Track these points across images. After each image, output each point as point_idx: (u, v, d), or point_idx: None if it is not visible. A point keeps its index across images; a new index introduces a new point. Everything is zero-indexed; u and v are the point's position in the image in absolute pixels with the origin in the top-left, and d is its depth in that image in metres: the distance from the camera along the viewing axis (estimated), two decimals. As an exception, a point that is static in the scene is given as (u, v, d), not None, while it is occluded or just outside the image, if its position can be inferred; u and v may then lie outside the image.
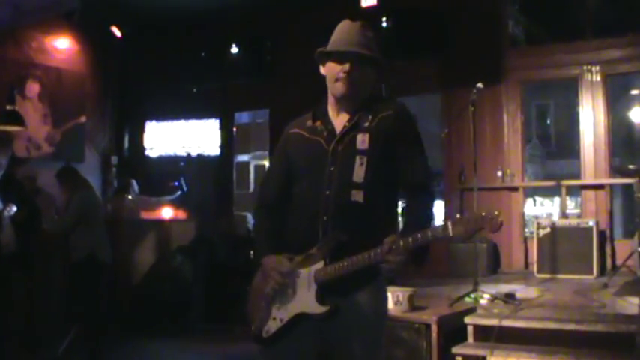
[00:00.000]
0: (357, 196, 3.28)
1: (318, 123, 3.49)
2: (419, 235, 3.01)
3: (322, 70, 3.49)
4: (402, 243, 3.03)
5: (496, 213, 2.89)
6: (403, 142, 3.36)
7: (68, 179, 7.82)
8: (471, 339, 5.98)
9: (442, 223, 2.99)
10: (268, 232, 3.56)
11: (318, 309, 3.25)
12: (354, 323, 3.27)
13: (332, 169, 3.34)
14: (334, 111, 3.48)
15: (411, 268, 3.21)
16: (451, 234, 2.93)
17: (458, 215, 2.96)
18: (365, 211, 3.28)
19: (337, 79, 3.36)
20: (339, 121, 3.44)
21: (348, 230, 3.24)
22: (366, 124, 3.36)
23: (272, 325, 3.39)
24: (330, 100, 3.49)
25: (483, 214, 2.92)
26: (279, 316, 3.37)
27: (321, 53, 3.45)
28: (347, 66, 3.33)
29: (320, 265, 3.27)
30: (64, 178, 7.85)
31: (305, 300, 3.30)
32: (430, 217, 3.34)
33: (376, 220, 3.28)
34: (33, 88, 10.48)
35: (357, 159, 3.30)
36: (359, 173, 3.29)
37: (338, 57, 3.36)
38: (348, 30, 3.42)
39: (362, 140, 3.33)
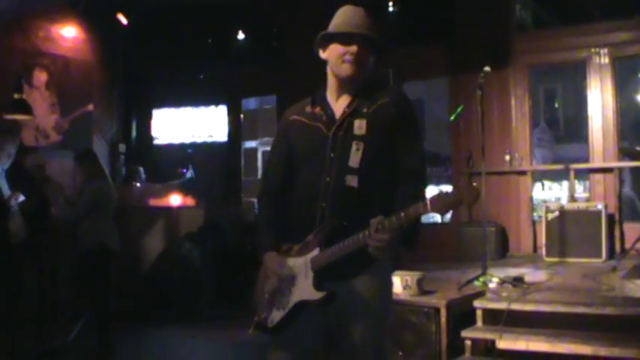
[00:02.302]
0: (352, 181, 3.29)
1: (317, 108, 3.49)
2: (402, 214, 3.01)
3: (322, 54, 3.49)
4: (386, 223, 3.03)
5: (474, 184, 2.92)
6: (401, 129, 3.37)
7: (87, 163, 7.67)
8: (479, 323, 5.99)
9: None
10: (270, 222, 3.57)
11: (315, 295, 3.26)
12: (353, 308, 3.30)
13: (332, 154, 3.35)
14: (333, 96, 3.49)
15: (404, 249, 3.26)
16: (429, 210, 2.95)
17: (437, 191, 2.98)
18: (359, 196, 3.29)
19: (344, 61, 3.36)
20: (338, 106, 3.45)
21: (344, 215, 3.27)
22: (364, 110, 3.37)
23: (276, 315, 3.41)
24: (331, 84, 3.50)
25: (461, 187, 2.93)
26: (282, 305, 3.39)
27: (324, 36, 3.44)
28: (354, 47, 3.33)
29: (316, 252, 3.29)
30: (82, 161, 7.72)
31: (303, 288, 3.32)
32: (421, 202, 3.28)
33: (371, 205, 3.25)
34: (40, 77, 10.48)
35: (354, 144, 3.32)
36: (355, 158, 3.30)
37: (344, 39, 3.36)
38: (353, 13, 3.44)
39: (359, 126, 3.34)
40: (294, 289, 3.36)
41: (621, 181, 9.44)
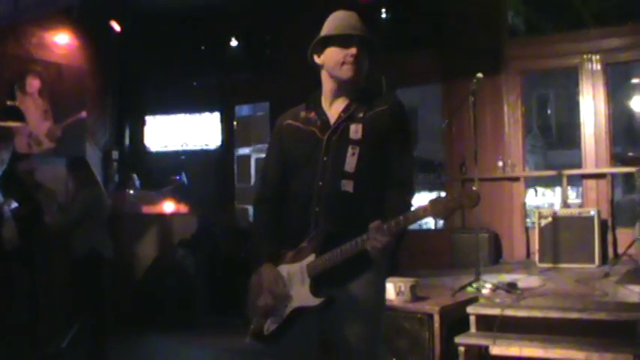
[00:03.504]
0: (347, 185, 3.29)
1: (312, 113, 3.48)
2: (401, 218, 3.03)
3: (317, 59, 3.47)
4: (386, 227, 3.04)
5: (474, 188, 2.94)
6: (394, 138, 3.36)
7: (78, 171, 7.65)
8: (473, 329, 5.99)
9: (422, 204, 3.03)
10: (267, 231, 3.55)
11: (313, 302, 3.27)
12: (349, 312, 3.28)
13: (325, 159, 3.35)
14: (328, 101, 3.48)
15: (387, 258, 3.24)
16: (430, 214, 2.99)
17: (436, 195, 3.02)
18: (354, 201, 3.29)
19: (344, 63, 3.35)
20: (333, 111, 3.44)
21: (338, 220, 3.28)
22: (360, 115, 3.36)
23: (272, 323, 3.40)
24: (327, 88, 3.49)
25: (460, 191, 2.97)
26: (278, 313, 3.38)
27: (321, 40, 3.43)
28: (354, 50, 3.33)
29: (311, 258, 3.28)
30: (74, 169, 7.70)
31: (300, 294, 3.32)
32: (408, 210, 3.26)
33: (366, 210, 3.25)
34: (33, 83, 10.38)
35: (350, 149, 3.31)
36: (350, 163, 3.29)
37: (343, 41, 3.35)
38: (348, 17, 3.43)
39: (355, 130, 3.33)
40: (290, 297, 3.36)
41: (634, 187, 9.48)
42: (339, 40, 3.36)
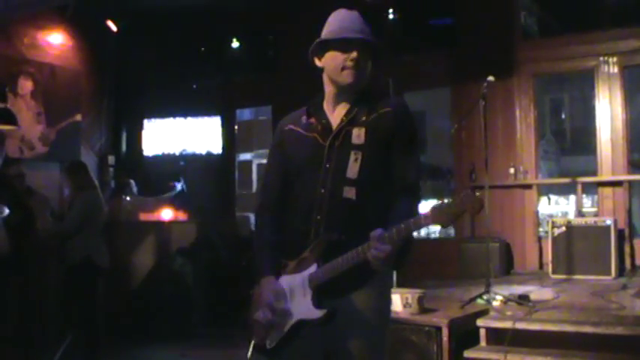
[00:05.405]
0: (350, 192, 3.22)
1: (312, 119, 3.42)
2: (402, 226, 2.93)
3: (318, 62, 3.40)
4: (386, 235, 2.94)
5: (478, 194, 2.88)
6: (399, 140, 3.28)
7: (76, 175, 7.65)
8: (483, 342, 5.96)
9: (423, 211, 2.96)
10: (269, 243, 3.47)
11: (315, 314, 3.18)
12: (351, 323, 3.20)
13: (327, 165, 3.28)
14: (330, 105, 3.41)
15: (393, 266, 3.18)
16: (432, 221, 2.90)
17: (438, 202, 2.90)
18: (357, 209, 3.22)
19: (344, 68, 3.26)
20: (335, 115, 3.38)
21: (341, 228, 3.20)
22: (363, 119, 3.30)
23: (274, 336, 3.31)
24: (328, 92, 3.41)
25: (464, 196, 2.85)
26: (280, 326, 3.30)
27: (321, 43, 3.34)
28: (354, 54, 3.24)
29: (313, 268, 3.21)
30: (72, 173, 7.69)
31: (302, 307, 3.23)
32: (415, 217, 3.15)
33: (369, 218, 3.16)
34: (25, 85, 10.43)
35: (352, 154, 3.24)
36: (353, 169, 3.23)
37: (343, 45, 3.26)
38: (349, 18, 3.35)
39: (357, 135, 3.26)
40: (292, 309, 3.28)
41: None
42: (338, 43, 3.29)
